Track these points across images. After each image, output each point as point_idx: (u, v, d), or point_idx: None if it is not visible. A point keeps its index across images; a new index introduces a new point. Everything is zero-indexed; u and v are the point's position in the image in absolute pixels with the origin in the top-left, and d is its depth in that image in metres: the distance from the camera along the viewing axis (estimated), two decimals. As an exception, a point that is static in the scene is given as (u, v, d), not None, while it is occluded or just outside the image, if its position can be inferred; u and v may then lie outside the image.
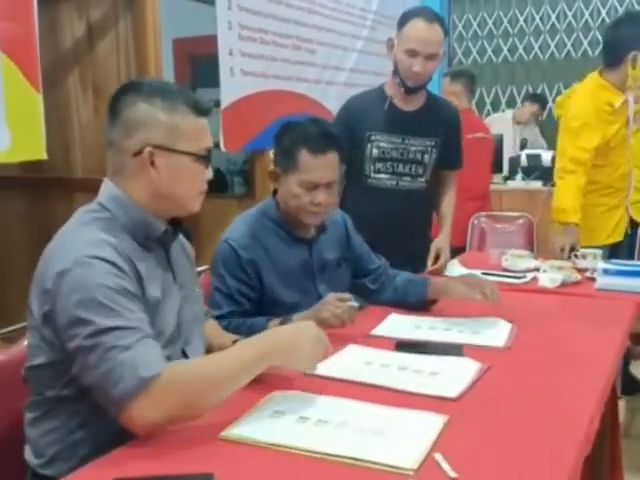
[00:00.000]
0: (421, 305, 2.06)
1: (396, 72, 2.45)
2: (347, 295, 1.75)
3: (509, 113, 5.84)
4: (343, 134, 2.30)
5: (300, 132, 1.84)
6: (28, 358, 1.31)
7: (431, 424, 1.23)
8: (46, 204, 3.22)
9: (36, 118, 2.40)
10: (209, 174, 1.38)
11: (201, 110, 1.34)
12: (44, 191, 3.25)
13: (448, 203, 2.67)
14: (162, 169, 1.31)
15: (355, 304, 1.73)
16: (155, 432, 1.17)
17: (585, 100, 2.95)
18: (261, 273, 1.85)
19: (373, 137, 2.47)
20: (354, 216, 2.15)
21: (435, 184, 2.62)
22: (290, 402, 1.32)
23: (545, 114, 6.11)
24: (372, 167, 2.49)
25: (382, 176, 2.50)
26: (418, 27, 2.34)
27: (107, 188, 1.35)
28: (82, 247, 1.23)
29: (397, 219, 2.48)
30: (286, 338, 1.29)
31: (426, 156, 2.51)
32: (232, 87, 3.43)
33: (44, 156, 2.44)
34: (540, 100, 5.79)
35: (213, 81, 3.43)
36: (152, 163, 1.30)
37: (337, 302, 1.71)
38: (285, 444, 1.15)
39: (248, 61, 3.57)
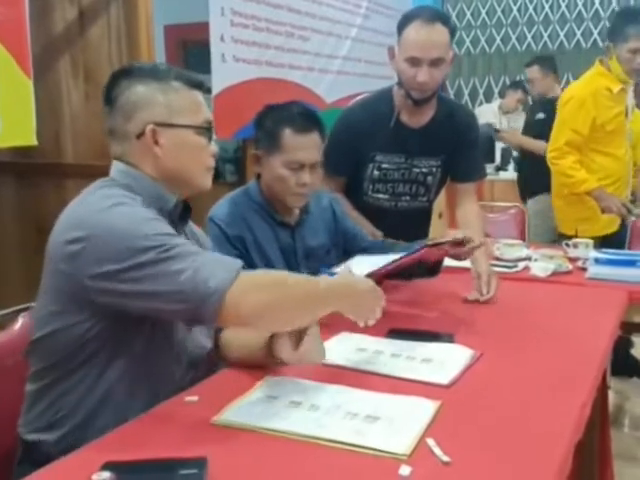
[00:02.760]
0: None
1: (400, 83, 2.18)
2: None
3: (498, 103, 5.84)
4: (346, 155, 2.24)
5: (282, 113, 1.84)
6: (37, 329, 1.30)
7: (424, 409, 1.23)
8: (36, 190, 3.19)
9: (26, 103, 2.37)
10: (214, 148, 1.38)
11: (193, 83, 1.36)
12: (34, 177, 3.22)
13: (471, 221, 2.27)
14: (166, 146, 1.32)
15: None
16: (250, 323, 1.24)
17: (580, 85, 3.11)
18: (248, 250, 1.84)
19: (377, 157, 2.26)
20: None
21: (455, 203, 2.36)
22: (283, 387, 1.32)
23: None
24: (371, 187, 2.31)
25: (380, 196, 2.33)
26: (417, 31, 2.04)
27: (115, 165, 1.36)
28: (107, 199, 1.25)
29: (393, 236, 2.26)
30: (350, 287, 1.32)
31: (429, 178, 2.32)
32: (224, 73, 3.40)
33: (34, 142, 2.41)
34: (521, 86, 5.79)
35: (205, 68, 3.40)
36: (156, 142, 1.31)
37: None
38: (278, 429, 1.15)
39: (240, 48, 3.54)
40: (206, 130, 1.36)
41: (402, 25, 2.11)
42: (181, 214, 1.41)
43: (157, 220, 1.25)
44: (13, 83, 2.31)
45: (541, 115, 4.11)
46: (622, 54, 2.96)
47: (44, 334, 1.28)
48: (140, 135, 1.31)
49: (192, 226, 1.52)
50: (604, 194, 3.00)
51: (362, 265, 1.68)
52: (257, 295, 1.20)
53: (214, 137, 1.39)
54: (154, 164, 1.33)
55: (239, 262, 1.23)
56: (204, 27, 3.33)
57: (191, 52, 4.96)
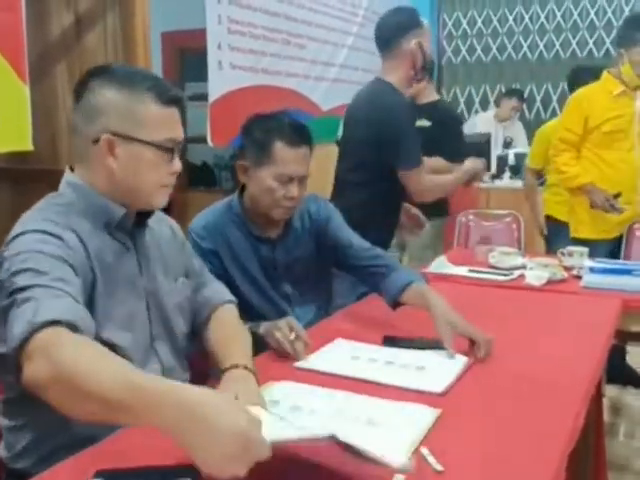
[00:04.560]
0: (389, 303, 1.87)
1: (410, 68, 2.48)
2: (298, 328, 1.59)
3: (493, 112, 5.84)
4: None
5: (274, 124, 1.79)
6: None
7: (422, 417, 1.23)
8: (31, 196, 3.13)
9: (22, 109, 2.37)
10: (176, 167, 1.31)
11: (168, 99, 1.27)
12: (30, 183, 3.21)
13: None
14: (121, 159, 1.26)
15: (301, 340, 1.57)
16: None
17: (583, 90, 3.24)
18: (225, 264, 1.84)
19: None
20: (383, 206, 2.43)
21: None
22: (283, 392, 1.32)
23: (533, 114, 6.15)
24: None
25: None
26: None
27: (66, 176, 1.33)
28: (24, 226, 1.22)
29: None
30: (204, 423, 0.88)
31: None
32: (220, 81, 3.41)
33: (30, 147, 2.41)
34: (516, 93, 5.76)
35: (202, 75, 3.41)
36: (112, 152, 1.26)
37: (286, 330, 1.57)
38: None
39: (237, 55, 3.55)
40: (168, 149, 1.28)
41: None
42: (139, 220, 1.36)
43: (38, 252, 1.14)
44: (9, 88, 2.31)
45: (425, 122, 3.46)
46: (633, 58, 3.06)
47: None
48: (96, 141, 1.25)
49: (170, 230, 1.49)
50: (594, 188, 3.12)
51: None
52: (37, 366, 0.97)
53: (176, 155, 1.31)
54: (105, 174, 1.27)
55: (51, 314, 1.02)
56: (201, 34, 3.34)
57: (188, 59, 4.96)
